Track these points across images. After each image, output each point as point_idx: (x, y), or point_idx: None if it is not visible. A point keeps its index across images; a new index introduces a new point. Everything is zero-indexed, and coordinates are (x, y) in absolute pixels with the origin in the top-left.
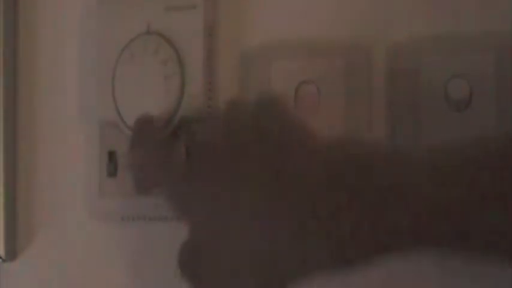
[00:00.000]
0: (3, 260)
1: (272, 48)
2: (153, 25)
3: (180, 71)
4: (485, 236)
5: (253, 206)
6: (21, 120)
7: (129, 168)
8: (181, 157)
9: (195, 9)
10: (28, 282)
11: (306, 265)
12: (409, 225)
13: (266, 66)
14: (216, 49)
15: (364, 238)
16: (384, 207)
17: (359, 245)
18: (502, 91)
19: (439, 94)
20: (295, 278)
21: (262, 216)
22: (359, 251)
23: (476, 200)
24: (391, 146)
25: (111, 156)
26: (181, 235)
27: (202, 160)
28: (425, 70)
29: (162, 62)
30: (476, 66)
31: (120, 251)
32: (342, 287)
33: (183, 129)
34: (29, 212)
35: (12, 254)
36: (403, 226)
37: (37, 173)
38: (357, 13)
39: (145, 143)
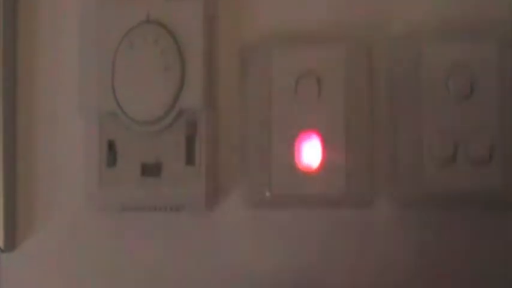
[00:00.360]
0: (2, 251)
1: (272, 38)
2: (152, 14)
3: (180, 61)
4: None
5: None
6: (20, 111)
7: None
8: (181, 147)
9: None
10: (27, 273)
11: None
12: None
13: (266, 56)
14: (216, 39)
15: None
16: None
17: None
18: (503, 81)
19: (440, 84)
20: None
21: None
22: None
23: None
24: None
25: (111, 145)
26: (182, 225)
27: None
28: (426, 60)
29: (161, 52)
30: (478, 56)
31: (120, 241)
32: None
33: (183, 120)
34: (28, 202)
35: (11, 244)
36: None
37: (36, 163)
38: (357, 3)
39: None
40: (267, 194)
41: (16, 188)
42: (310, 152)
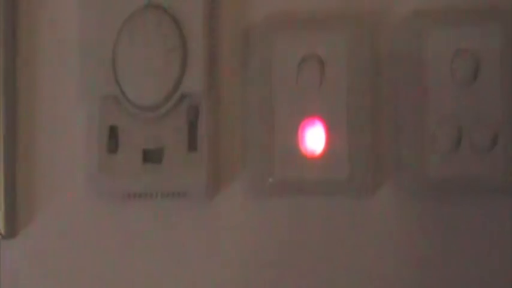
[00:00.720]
0: (3, 237)
1: (275, 22)
2: None
3: (181, 46)
4: None
5: None
6: (21, 96)
7: None
8: (183, 133)
9: None
10: (28, 259)
11: None
12: None
13: (269, 40)
14: (218, 22)
15: None
16: None
17: None
18: (508, 67)
19: (444, 70)
20: None
21: None
22: None
23: None
24: None
25: (112, 131)
26: (184, 212)
27: None
28: (429, 45)
29: (163, 36)
30: (482, 41)
31: (121, 228)
32: None
33: (185, 105)
34: (29, 189)
35: (12, 230)
36: None
37: (36, 149)
38: None
39: None
40: (270, 180)
41: (17, 175)
42: (313, 138)
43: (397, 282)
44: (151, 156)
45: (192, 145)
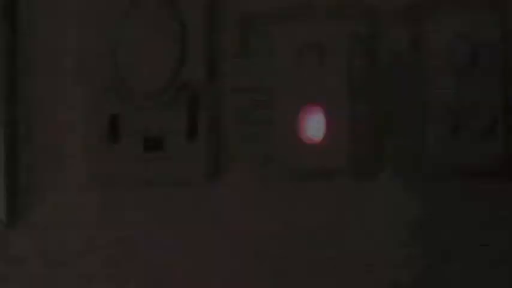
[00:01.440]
0: (4, 226)
1: (275, 9)
2: None
3: (182, 33)
4: None
5: None
6: (22, 85)
7: None
8: (184, 121)
9: None
10: (29, 248)
11: None
12: None
13: (269, 27)
14: (218, 10)
15: None
16: None
17: None
18: (506, 53)
19: (443, 56)
20: None
21: None
22: None
23: None
24: None
25: (113, 120)
26: (183, 202)
27: None
28: (429, 30)
29: (163, 24)
30: (481, 26)
31: (122, 216)
32: None
33: (186, 93)
34: (29, 177)
35: (13, 219)
36: None
37: (37, 138)
38: None
39: None
40: (270, 167)
41: (18, 165)
42: (313, 125)
43: (398, 267)
44: (152, 144)
45: (193, 133)
